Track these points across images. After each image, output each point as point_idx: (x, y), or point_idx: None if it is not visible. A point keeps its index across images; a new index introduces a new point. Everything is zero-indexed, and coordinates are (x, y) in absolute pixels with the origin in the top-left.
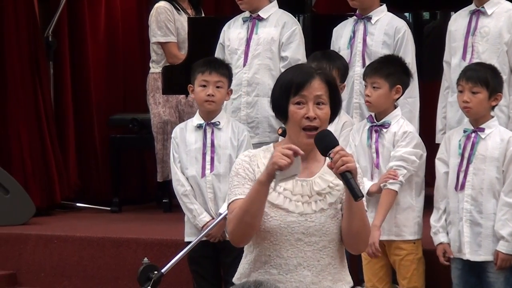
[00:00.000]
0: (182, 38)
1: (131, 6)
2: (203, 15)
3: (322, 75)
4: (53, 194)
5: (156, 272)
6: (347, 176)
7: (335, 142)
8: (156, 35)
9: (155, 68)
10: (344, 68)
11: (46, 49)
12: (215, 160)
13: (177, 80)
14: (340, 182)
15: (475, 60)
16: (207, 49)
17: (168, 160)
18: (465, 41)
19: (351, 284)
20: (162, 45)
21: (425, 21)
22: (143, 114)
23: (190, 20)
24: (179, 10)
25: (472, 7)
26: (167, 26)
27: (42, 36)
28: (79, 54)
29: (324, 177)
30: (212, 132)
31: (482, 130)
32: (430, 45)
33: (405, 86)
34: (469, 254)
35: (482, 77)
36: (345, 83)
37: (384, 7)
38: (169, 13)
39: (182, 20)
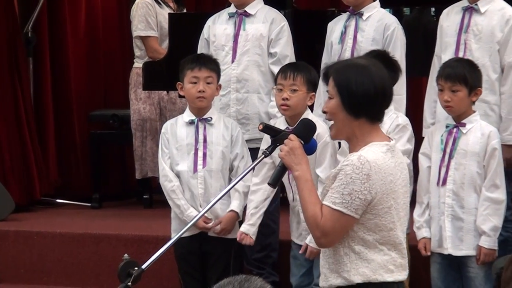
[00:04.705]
0: (165, 32)
1: (112, 2)
2: (185, 9)
3: None
4: (33, 190)
5: (136, 268)
6: (278, 164)
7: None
8: (137, 29)
9: (139, 63)
10: (310, 77)
11: (26, 45)
12: (207, 156)
13: (158, 76)
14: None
15: (467, 58)
16: (188, 45)
17: (147, 157)
18: (458, 38)
19: (352, 282)
20: (143, 39)
21: (407, 17)
22: (123, 110)
23: (171, 16)
24: (160, 4)
25: (465, 3)
26: (148, 20)
27: (21, 32)
28: (59, 50)
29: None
30: (205, 128)
31: (464, 125)
32: (414, 42)
33: (396, 82)
34: (451, 248)
35: (461, 74)
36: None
37: (377, 2)
38: (150, 7)
39: (164, 14)
